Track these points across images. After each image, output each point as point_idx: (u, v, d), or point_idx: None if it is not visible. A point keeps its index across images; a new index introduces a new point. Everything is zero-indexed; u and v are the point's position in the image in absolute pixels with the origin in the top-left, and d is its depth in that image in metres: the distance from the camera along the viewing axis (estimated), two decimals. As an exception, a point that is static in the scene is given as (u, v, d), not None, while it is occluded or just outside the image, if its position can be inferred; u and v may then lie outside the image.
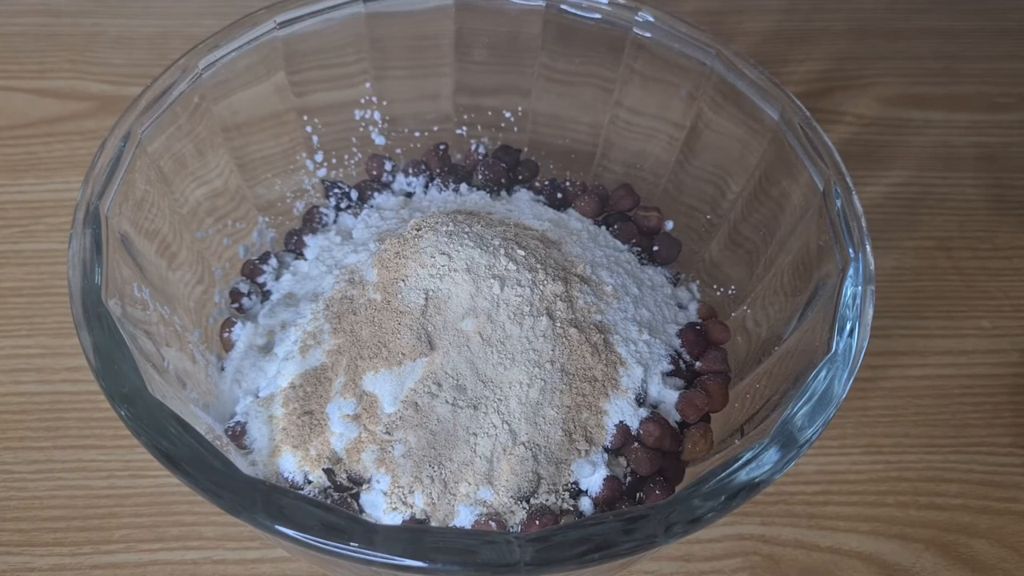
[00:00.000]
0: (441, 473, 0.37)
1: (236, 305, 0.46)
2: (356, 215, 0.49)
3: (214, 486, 0.30)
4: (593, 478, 0.38)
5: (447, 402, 0.38)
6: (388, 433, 0.38)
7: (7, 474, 0.46)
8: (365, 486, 0.38)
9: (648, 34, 0.47)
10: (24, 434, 0.47)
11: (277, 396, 0.40)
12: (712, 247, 0.48)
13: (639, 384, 0.41)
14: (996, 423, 0.50)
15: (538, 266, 0.41)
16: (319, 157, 0.51)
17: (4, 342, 0.50)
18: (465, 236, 0.41)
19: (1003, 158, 0.63)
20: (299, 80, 0.48)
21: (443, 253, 0.40)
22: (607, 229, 0.49)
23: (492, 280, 0.40)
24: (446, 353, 0.39)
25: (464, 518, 0.37)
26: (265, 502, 0.30)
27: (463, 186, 0.50)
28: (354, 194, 0.50)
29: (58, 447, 0.47)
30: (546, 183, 0.51)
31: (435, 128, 0.53)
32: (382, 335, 0.40)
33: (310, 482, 0.39)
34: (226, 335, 0.44)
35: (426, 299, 0.40)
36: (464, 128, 0.53)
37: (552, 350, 0.39)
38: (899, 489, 0.47)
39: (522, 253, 0.41)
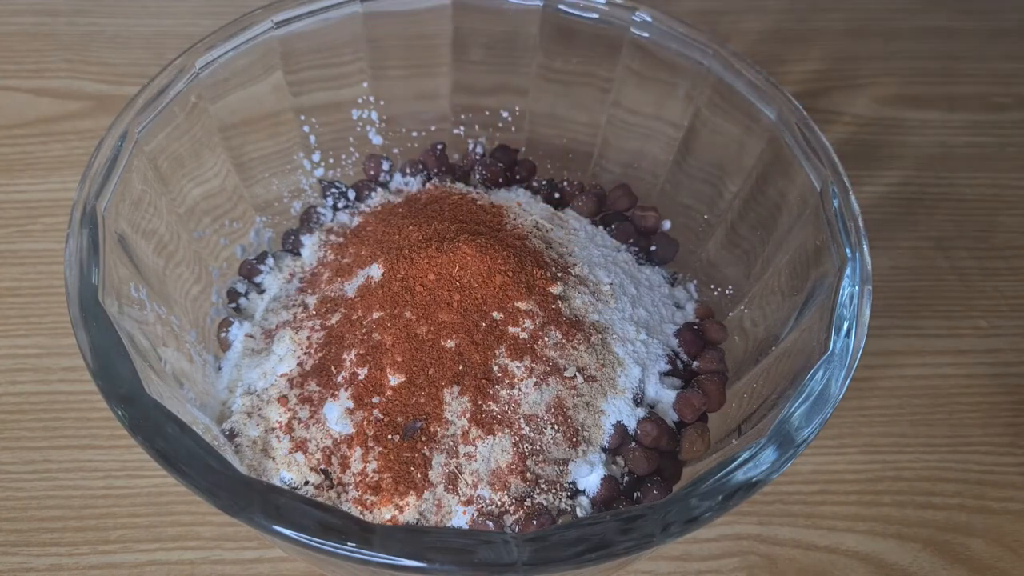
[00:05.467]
0: (438, 472, 0.37)
1: (233, 305, 0.46)
2: (353, 214, 0.49)
3: (211, 486, 0.30)
4: (590, 478, 0.38)
5: (444, 401, 0.38)
6: (385, 432, 0.38)
7: (4, 474, 0.46)
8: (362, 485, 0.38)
9: (646, 34, 0.47)
10: (21, 434, 0.47)
11: (274, 395, 0.40)
12: (709, 247, 0.48)
13: (636, 384, 0.41)
14: (993, 423, 0.50)
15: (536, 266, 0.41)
16: (316, 157, 0.51)
17: (1, 342, 0.50)
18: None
19: (1000, 158, 0.63)
20: (296, 80, 0.48)
21: (443, 253, 0.40)
22: (604, 229, 0.49)
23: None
24: (444, 351, 0.39)
25: (461, 518, 0.37)
26: (262, 502, 0.30)
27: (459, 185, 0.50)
28: (351, 194, 0.50)
29: (55, 447, 0.47)
30: (543, 183, 0.51)
31: (432, 128, 0.53)
32: (380, 333, 0.39)
33: (307, 482, 0.39)
34: (223, 335, 0.44)
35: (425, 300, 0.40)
36: (462, 128, 0.53)
37: (549, 350, 0.39)
38: (896, 488, 0.48)
39: (521, 251, 0.41)
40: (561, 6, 0.48)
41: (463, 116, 0.53)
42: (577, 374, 0.39)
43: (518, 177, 0.51)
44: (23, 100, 0.62)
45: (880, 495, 0.47)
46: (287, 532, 0.29)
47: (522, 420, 0.38)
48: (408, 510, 0.37)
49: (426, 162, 0.51)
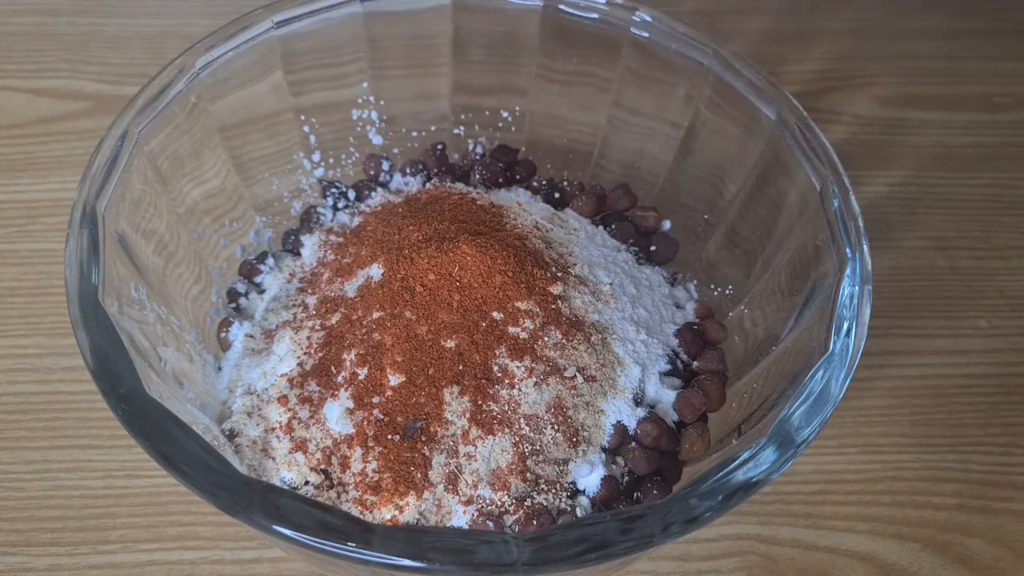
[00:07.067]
0: (438, 472, 0.37)
1: (233, 305, 0.46)
2: (353, 214, 0.49)
3: (211, 486, 0.30)
4: (591, 478, 0.38)
5: (444, 401, 0.38)
6: (385, 432, 0.38)
7: (4, 474, 0.46)
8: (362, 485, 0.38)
9: (646, 34, 0.47)
10: (21, 434, 0.47)
11: (274, 395, 0.40)
12: (709, 247, 0.48)
13: (636, 384, 0.41)
14: (993, 423, 0.50)
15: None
16: (316, 157, 0.51)
17: (1, 342, 0.50)
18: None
19: (1000, 158, 0.63)
20: (296, 80, 0.48)
21: (443, 253, 0.40)
22: (604, 229, 0.49)
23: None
24: (444, 351, 0.39)
25: (461, 518, 0.37)
26: (262, 502, 0.30)
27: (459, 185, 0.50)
28: (352, 194, 0.50)
29: (55, 447, 0.47)
30: (543, 183, 0.51)
31: (432, 128, 0.53)
32: (380, 332, 0.40)
33: (307, 482, 0.39)
34: (223, 335, 0.44)
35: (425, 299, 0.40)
36: (462, 128, 0.53)
37: (549, 350, 0.39)
38: (896, 488, 0.47)
39: (521, 251, 0.41)
40: (561, 6, 0.48)
41: (463, 116, 0.53)
42: (577, 374, 0.39)
43: (518, 177, 0.51)
44: (23, 100, 0.62)
45: (880, 495, 0.47)
46: (287, 532, 0.29)
47: (522, 420, 0.38)
48: (408, 510, 0.37)
49: (426, 162, 0.51)
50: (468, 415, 0.38)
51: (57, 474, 0.46)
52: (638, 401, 0.41)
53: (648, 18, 0.47)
